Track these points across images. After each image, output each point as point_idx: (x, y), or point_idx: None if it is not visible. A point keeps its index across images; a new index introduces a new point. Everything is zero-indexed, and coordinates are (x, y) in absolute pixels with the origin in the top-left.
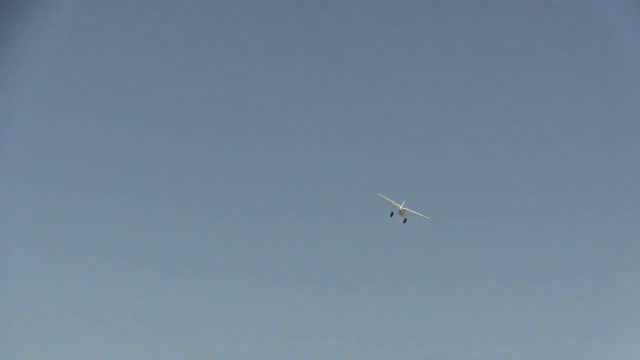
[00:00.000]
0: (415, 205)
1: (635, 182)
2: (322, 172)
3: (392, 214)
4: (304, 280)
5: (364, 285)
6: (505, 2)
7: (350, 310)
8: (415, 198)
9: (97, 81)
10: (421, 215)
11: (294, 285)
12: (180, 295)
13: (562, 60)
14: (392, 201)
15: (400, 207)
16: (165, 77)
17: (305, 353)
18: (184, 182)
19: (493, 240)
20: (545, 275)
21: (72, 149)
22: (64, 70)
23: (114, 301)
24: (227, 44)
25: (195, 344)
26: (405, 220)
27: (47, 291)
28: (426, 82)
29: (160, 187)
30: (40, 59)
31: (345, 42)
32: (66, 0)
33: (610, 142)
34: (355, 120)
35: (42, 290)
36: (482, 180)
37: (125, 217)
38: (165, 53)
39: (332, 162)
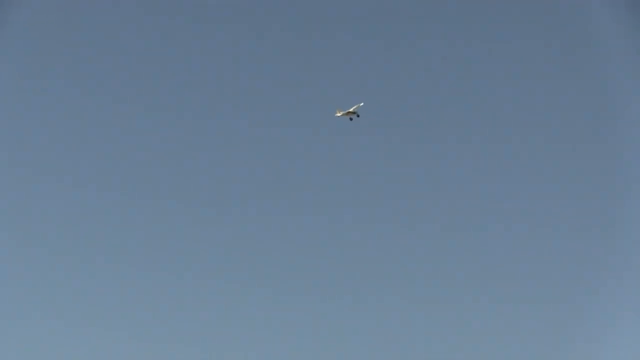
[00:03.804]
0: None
1: (633, 184)
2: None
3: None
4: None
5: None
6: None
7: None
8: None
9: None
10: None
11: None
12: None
13: (560, 62)
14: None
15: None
16: (162, 74)
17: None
18: (177, 181)
19: (488, 241)
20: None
21: (66, 148)
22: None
23: (110, 303)
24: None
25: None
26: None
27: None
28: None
29: (158, 187)
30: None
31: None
32: None
33: (608, 144)
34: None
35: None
36: (478, 180)
37: (120, 216)
38: (163, 50)
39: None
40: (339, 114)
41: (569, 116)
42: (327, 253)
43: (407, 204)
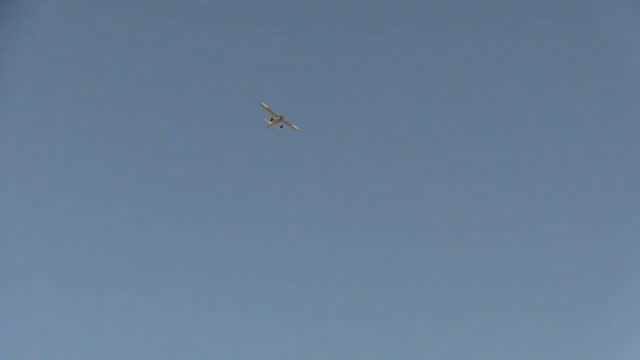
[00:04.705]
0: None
1: (634, 184)
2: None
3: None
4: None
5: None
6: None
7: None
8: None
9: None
10: (293, 126)
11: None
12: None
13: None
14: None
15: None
16: (161, 76)
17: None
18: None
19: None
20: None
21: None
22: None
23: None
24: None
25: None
26: (281, 126)
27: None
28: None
29: (157, 188)
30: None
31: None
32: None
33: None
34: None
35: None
36: (476, 179)
37: (120, 219)
38: (164, 51)
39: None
40: (270, 123)
41: (571, 115)
42: (324, 257)
43: (407, 206)
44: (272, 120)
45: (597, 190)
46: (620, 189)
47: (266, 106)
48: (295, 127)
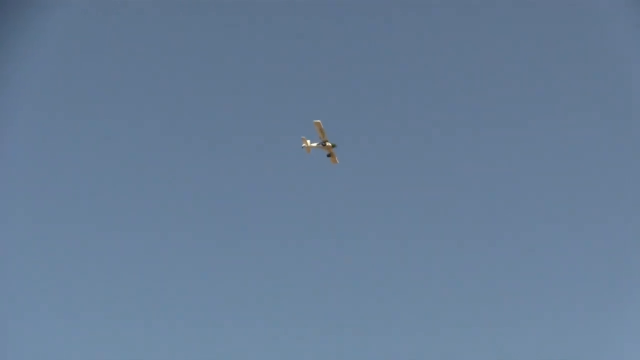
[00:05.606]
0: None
1: (634, 184)
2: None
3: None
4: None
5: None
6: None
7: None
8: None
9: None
10: (335, 158)
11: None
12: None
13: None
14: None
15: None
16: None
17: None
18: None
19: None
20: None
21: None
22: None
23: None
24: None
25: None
26: (328, 155)
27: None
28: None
29: (159, 187)
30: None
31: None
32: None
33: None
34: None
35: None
36: (477, 177)
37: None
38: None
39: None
40: (311, 145)
41: (571, 116)
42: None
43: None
44: (317, 144)
45: (598, 188)
46: (620, 189)
47: (320, 126)
48: (337, 159)
